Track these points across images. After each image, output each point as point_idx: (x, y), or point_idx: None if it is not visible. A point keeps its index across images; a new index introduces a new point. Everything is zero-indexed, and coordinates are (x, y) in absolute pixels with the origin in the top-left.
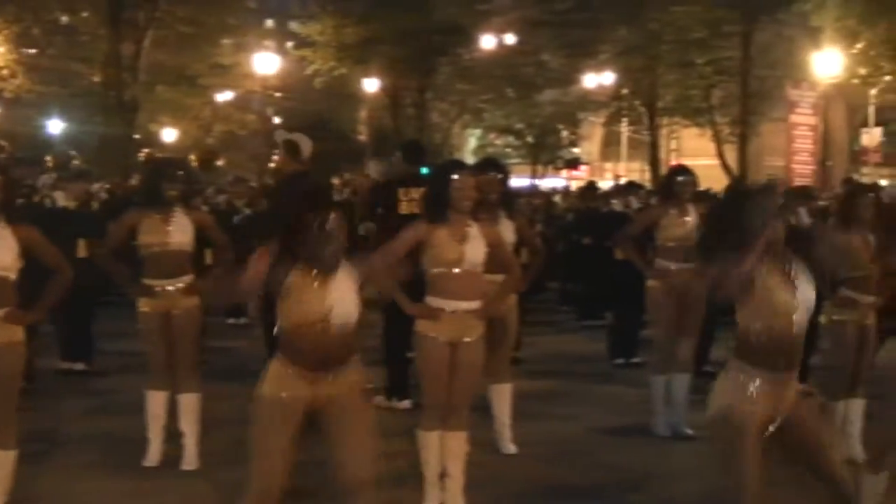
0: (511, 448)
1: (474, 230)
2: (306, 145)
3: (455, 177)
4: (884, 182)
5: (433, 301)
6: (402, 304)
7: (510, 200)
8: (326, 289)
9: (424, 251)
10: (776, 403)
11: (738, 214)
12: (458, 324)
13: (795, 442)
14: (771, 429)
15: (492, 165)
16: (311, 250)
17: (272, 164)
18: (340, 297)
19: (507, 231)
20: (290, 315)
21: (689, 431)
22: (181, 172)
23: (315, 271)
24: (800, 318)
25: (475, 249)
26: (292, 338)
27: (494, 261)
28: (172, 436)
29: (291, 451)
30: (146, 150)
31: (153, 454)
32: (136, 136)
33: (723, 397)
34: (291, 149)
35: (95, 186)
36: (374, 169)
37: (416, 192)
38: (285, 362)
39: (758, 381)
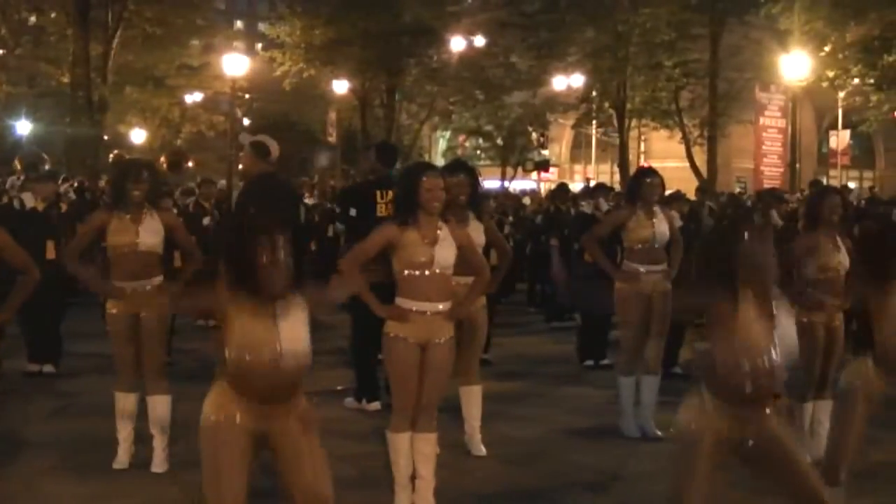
0: (482, 450)
1: (444, 232)
2: (274, 147)
3: (424, 178)
4: (852, 184)
5: (402, 302)
6: (371, 306)
7: (479, 202)
8: (275, 320)
9: (394, 253)
10: (742, 427)
11: (725, 245)
12: (428, 325)
13: (766, 461)
14: (738, 450)
15: (461, 167)
16: (257, 279)
17: (240, 166)
18: (290, 329)
19: (476, 233)
20: (235, 346)
21: (658, 433)
22: (150, 174)
23: (261, 301)
24: (775, 355)
25: (445, 251)
26: (238, 369)
27: (464, 263)
28: (141, 438)
29: (244, 476)
30: (115, 151)
31: (122, 456)
32: (105, 137)
33: (685, 417)
34: (260, 150)
35: (64, 186)
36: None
37: (390, 195)
38: (230, 390)
39: (722, 407)
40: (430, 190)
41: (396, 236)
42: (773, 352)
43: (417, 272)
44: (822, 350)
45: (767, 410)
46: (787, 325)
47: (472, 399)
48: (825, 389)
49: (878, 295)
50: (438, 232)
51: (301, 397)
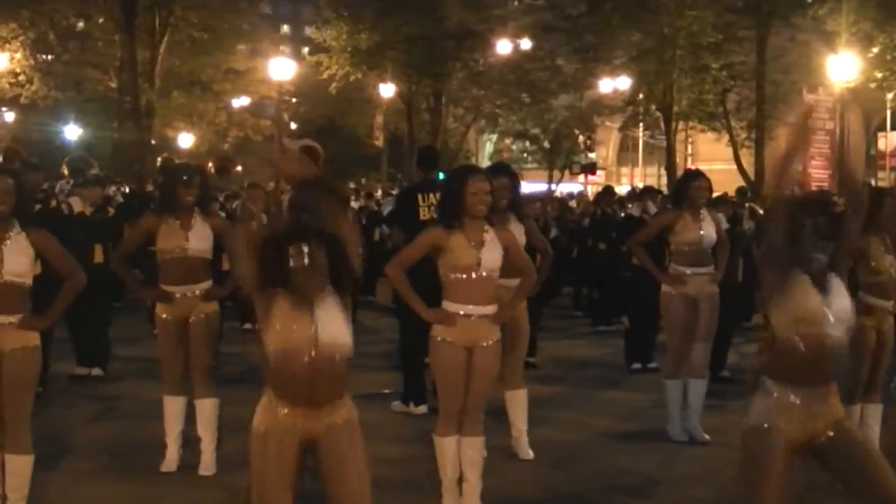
0: (529, 453)
1: (490, 235)
2: (319, 150)
3: (470, 181)
4: None
5: (449, 306)
6: (417, 310)
7: (520, 204)
8: (312, 317)
9: (440, 256)
10: (814, 421)
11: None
12: (474, 329)
13: (841, 460)
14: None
15: (501, 170)
16: (289, 280)
17: (281, 171)
18: (328, 323)
19: (518, 235)
20: (275, 344)
21: (705, 437)
22: (200, 178)
23: (299, 300)
24: (835, 329)
25: (491, 254)
26: (279, 367)
27: (509, 265)
28: (189, 441)
29: (289, 486)
30: (164, 155)
31: (170, 459)
32: (152, 142)
33: (756, 415)
34: (312, 153)
35: (112, 190)
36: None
37: (434, 198)
38: (275, 398)
39: (792, 398)
40: (476, 193)
41: (442, 240)
42: (829, 325)
43: (463, 275)
44: (870, 353)
45: (835, 398)
46: (841, 298)
47: (518, 403)
48: (874, 392)
49: None
50: (484, 235)
51: (346, 400)
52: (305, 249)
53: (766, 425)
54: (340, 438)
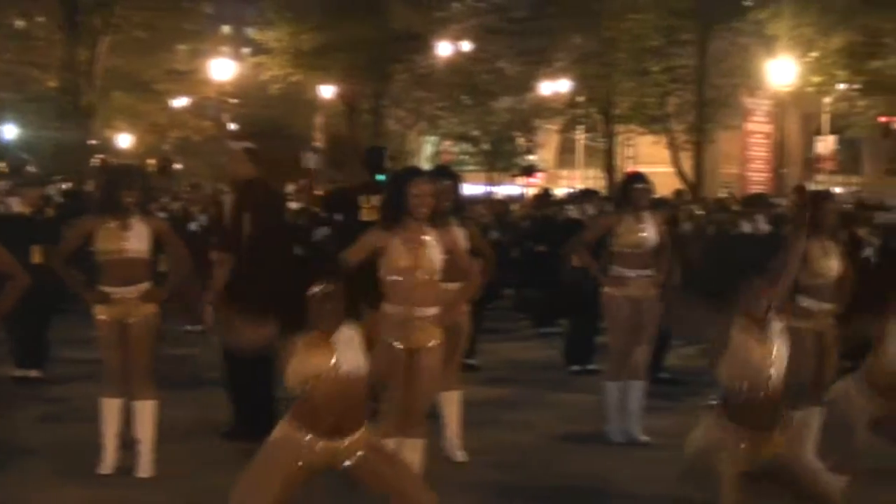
0: (461, 455)
1: (431, 237)
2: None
3: (412, 183)
4: (838, 190)
5: (389, 308)
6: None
7: (461, 208)
8: (333, 351)
9: (380, 258)
10: (756, 453)
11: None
12: (417, 331)
13: (783, 477)
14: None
15: (444, 173)
16: (315, 318)
17: (227, 172)
18: (348, 358)
19: (460, 238)
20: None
21: (644, 438)
22: (138, 179)
23: (322, 334)
24: (776, 374)
25: (432, 257)
26: (308, 401)
27: (451, 268)
28: (128, 443)
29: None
30: (100, 156)
31: (108, 462)
32: (92, 142)
33: (701, 443)
34: (254, 155)
35: (51, 188)
36: (311, 161)
37: (376, 200)
38: (297, 425)
39: (737, 437)
40: (418, 195)
41: (382, 241)
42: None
43: (402, 277)
44: (812, 356)
45: (778, 433)
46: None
47: (452, 404)
48: (816, 397)
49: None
50: (425, 237)
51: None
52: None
53: (714, 440)
54: (370, 456)
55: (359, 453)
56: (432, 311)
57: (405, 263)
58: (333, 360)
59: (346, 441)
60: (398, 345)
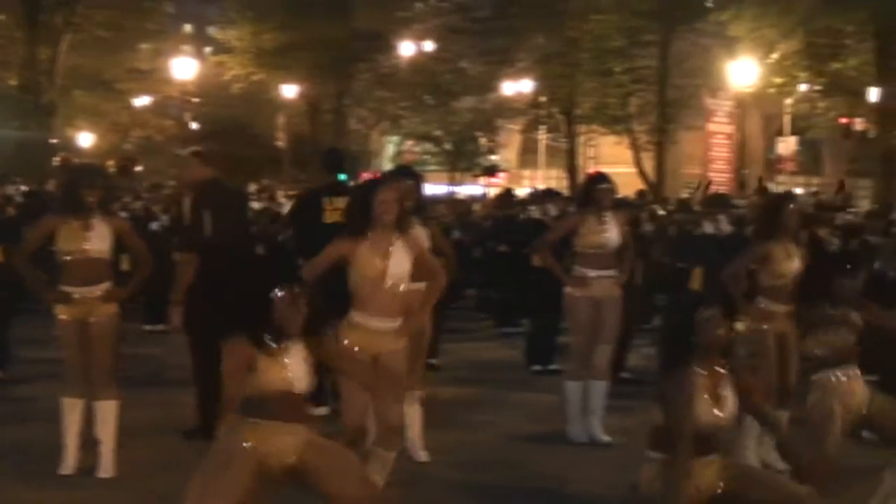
0: (423, 455)
1: (398, 244)
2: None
3: (378, 191)
4: (799, 190)
5: (356, 315)
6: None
7: (423, 207)
8: (284, 367)
9: (349, 266)
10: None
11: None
12: (379, 337)
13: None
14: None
15: (406, 173)
16: (277, 325)
17: (182, 178)
18: (296, 372)
19: (422, 238)
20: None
21: (606, 438)
22: (100, 178)
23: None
24: (723, 433)
25: (399, 264)
26: (258, 403)
27: (418, 270)
28: (89, 444)
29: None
30: (62, 155)
31: (69, 462)
32: (54, 141)
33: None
34: (204, 157)
35: (11, 189)
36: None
37: (340, 202)
38: (246, 420)
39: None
40: (384, 202)
41: (349, 249)
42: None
43: (369, 286)
44: (774, 357)
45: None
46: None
47: (414, 404)
48: (783, 398)
49: None
50: (391, 244)
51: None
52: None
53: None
54: (314, 449)
55: (303, 451)
56: (397, 322)
57: (370, 272)
58: (283, 376)
59: (289, 438)
60: (362, 352)
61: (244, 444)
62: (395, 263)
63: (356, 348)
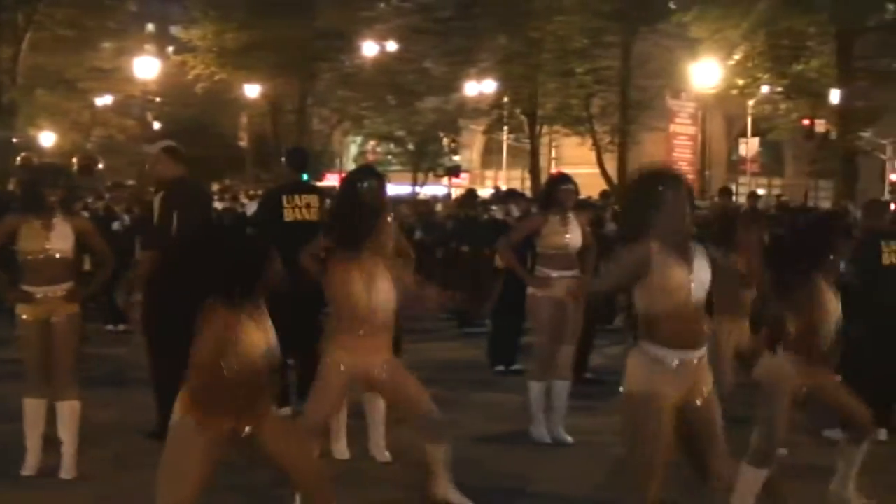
0: (386, 455)
1: (383, 267)
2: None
3: (381, 217)
4: (760, 191)
5: (341, 333)
6: None
7: (386, 208)
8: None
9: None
10: (688, 384)
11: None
12: (365, 355)
13: (692, 428)
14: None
15: (368, 173)
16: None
17: (150, 172)
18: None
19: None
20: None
21: (569, 438)
22: (62, 178)
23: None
24: (697, 294)
25: (384, 288)
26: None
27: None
28: (51, 444)
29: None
30: (23, 154)
31: (31, 462)
32: (14, 140)
33: (639, 380)
34: (176, 154)
35: None
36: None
37: (299, 200)
38: (197, 408)
39: (673, 362)
40: (386, 232)
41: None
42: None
43: (355, 305)
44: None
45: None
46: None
47: (377, 404)
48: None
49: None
50: (377, 269)
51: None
52: None
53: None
54: (272, 428)
55: (263, 425)
56: (383, 337)
57: (361, 299)
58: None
59: (250, 419)
60: (344, 368)
61: (202, 430)
62: (379, 287)
63: (342, 367)
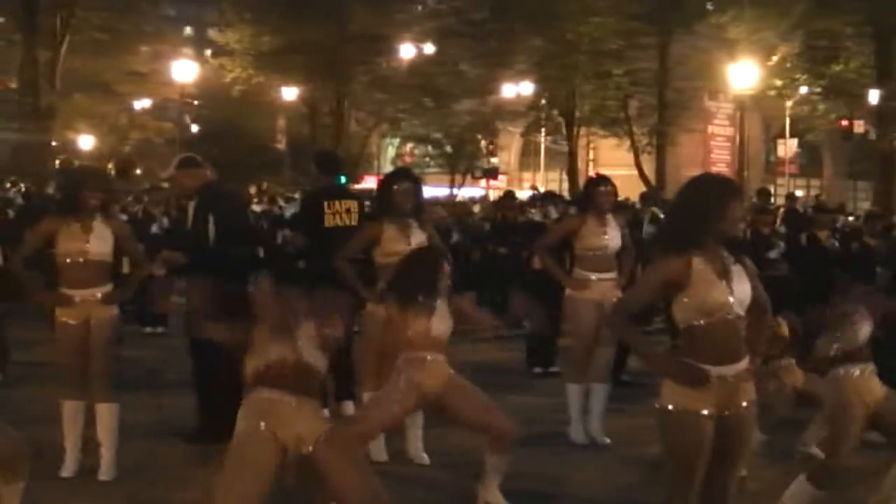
0: (424, 458)
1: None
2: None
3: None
4: (799, 192)
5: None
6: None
7: (421, 210)
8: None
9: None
10: (725, 398)
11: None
12: (428, 375)
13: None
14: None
15: (404, 174)
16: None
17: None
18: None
19: (419, 240)
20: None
21: (606, 440)
22: (100, 181)
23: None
24: (736, 310)
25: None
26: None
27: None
28: (89, 446)
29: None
30: (62, 157)
31: (69, 464)
32: (53, 144)
33: (676, 394)
34: (191, 164)
35: (12, 191)
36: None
37: (339, 205)
38: (257, 418)
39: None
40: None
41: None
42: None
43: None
44: None
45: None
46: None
47: None
48: None
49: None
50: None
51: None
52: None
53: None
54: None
55: (319, 440)
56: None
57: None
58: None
59: (305, 428)
60: (417, 387)
61: (263, 440)
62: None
63: (416, 385)
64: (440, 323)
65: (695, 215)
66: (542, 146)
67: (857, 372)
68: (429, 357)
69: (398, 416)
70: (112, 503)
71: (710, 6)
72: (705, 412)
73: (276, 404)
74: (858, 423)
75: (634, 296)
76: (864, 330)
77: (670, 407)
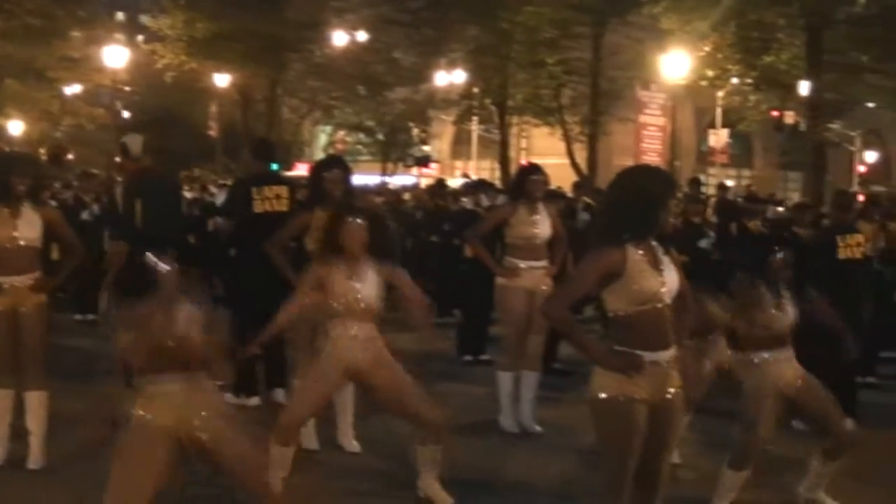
0: (355, 445)
1: (371, 272)
2: (135, 143)
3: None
4: (730, 182)
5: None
6: None
7: (353, 197)
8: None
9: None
10: (657, 385)
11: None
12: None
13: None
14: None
15: (335, 162)
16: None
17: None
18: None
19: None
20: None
21: (537, 428)
22: (30, 167)
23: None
24: (667, 299)
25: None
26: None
27: None
28: (18, 434)
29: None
30: None
31: None
32: None
33: (608, 382)
34: (122, 150)
35: None
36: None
37: (268, 191)
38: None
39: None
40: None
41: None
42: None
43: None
44: None
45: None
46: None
47: (345, 394)
48: None
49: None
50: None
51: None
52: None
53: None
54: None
55: (214, 425)
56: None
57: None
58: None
59: (197, 414)
60: (340, 364)
61: (153, 431)
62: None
63: (338, 363)
64: (369, 290)
65: (634, 209)
66: (475, 135)
67: (774, 357)
68: (356, 327)
69: (327, 395)
70: (41, 492)
71: None
72: (638, 397)
73: (164, 395)
74: (773, 408)
75: (573, 286)
76: (786, 317)
77: (603, 395)
